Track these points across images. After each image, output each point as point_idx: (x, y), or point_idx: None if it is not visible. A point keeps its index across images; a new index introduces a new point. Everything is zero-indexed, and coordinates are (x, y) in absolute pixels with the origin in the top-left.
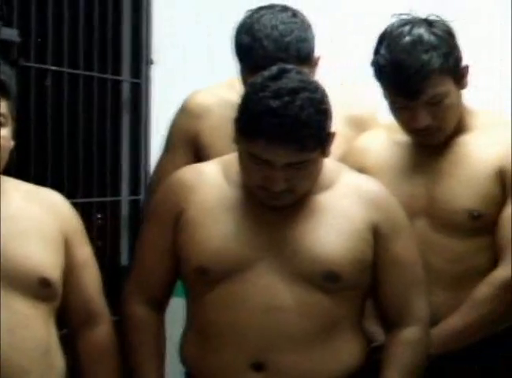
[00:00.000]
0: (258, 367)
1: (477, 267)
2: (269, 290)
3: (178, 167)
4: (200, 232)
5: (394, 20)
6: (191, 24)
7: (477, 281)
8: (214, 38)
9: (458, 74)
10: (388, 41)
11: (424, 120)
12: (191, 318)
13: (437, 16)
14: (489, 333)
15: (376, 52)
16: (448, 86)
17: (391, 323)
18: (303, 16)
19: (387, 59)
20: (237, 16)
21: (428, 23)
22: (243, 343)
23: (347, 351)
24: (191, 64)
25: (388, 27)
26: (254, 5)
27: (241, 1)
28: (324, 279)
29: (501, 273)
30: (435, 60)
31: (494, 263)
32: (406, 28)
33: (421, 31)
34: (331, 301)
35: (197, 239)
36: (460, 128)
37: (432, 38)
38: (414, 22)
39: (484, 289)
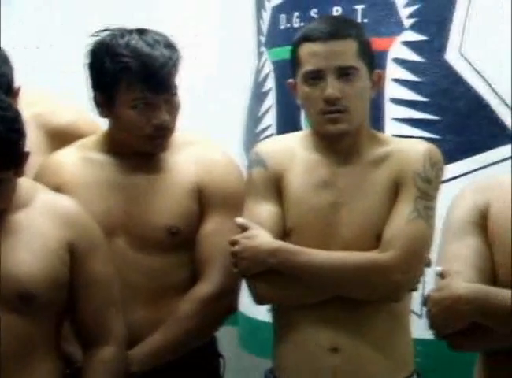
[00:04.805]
0: None
1: (177, 283)
2: None
3: None
4: None
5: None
6: None
7: (177, 297)
8: None
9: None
10: (121, 42)
11: (165, 114)
12: None
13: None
14: (191, 348)
15: (101, 61)
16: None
17: (88, 342)
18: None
19: (130, 56)
20: None
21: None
22: None
23: (44, 373)
24: None
25: (102, 39)
26: None
27: None
28: (19, 300)
29: (202, 289)
30: (173, 55)
31: (193, 279)
32: (127, 35)
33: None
34: (26, 322)
35: None
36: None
37: (161, 38)
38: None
39: (186, 305)
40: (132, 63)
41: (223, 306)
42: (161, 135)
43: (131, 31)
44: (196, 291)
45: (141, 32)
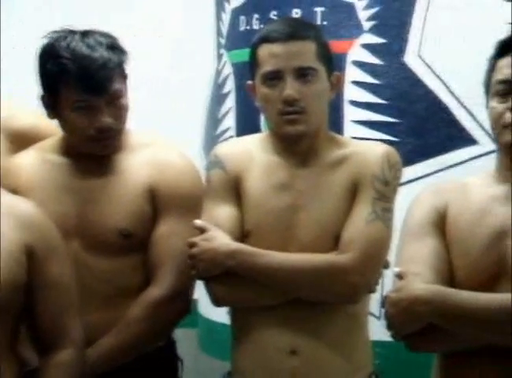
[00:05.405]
0: None
1: (130, 285)
2: None
3: None
4: None
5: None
6: None
7: (130, 300)
8: None
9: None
10: (63, 44)
11: (107, 117)
12: None
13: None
14: (143, 352)
15: (45, 63)
16: (123, 84)
17: (46, 346)
18: None
19: (69, 58)
20: None
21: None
22: None
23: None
24: None
25: (48, 41)
26: None
27: None
28: None
29: (153, 292)
30: (115, 57)
31: (147, 281)
32: (70, 36)
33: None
34: None
35: None
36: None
37: (105, 39)
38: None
39: (137, 308)
40: (70, 65)
41: (175, 309)
42: (105, 137)
43: (74, 33)
44: (147, 294)
45: (84, 34)
